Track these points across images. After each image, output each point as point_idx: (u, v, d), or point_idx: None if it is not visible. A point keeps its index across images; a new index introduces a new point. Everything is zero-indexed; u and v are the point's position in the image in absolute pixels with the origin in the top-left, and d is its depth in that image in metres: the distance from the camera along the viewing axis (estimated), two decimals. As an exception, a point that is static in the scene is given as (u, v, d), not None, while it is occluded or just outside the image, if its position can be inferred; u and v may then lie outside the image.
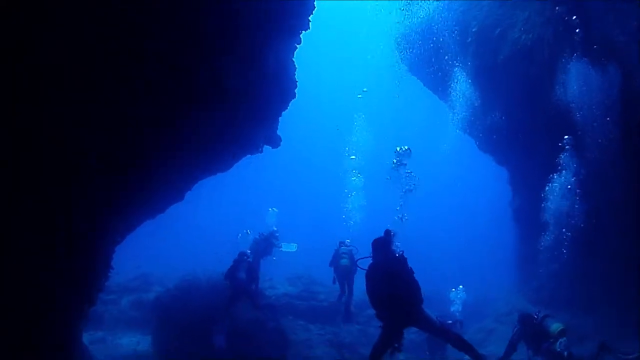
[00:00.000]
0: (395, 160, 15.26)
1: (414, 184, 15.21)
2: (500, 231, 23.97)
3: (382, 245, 7.90)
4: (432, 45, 16.97)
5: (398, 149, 15.29)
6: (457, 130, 18.44)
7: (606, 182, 13.16)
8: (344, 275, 14.16)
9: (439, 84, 17.48)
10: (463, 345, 7.90)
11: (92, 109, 6.86)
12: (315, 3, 10.12)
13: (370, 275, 7.76)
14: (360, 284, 9.23)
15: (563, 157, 13.80)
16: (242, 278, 13.17)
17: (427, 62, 17.35)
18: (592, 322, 14.13)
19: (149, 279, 19.14)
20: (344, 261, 14.00)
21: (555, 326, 9.71)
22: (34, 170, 6.60)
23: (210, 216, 44.47)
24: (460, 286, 17.23)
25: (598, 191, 13.43)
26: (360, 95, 26.48)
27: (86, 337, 13.02)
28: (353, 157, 20.16)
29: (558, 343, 9.55)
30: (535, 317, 10.25)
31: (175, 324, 12.69)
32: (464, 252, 31.19)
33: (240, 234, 21.08)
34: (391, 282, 7.50)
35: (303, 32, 10.19)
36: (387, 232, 8.07)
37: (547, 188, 14.48)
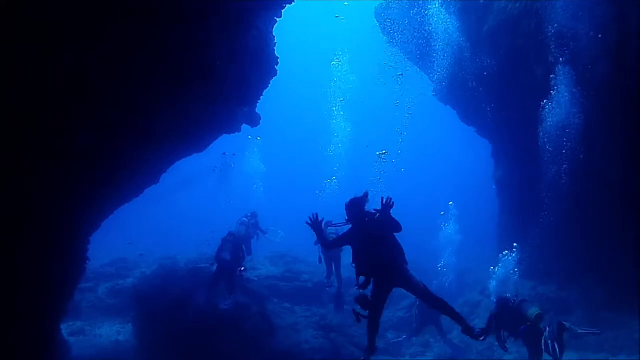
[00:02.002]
0: None
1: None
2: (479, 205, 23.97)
3: (356, 206, 7.57)
4: (414, 13, 16.27)
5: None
6: (440, 101, 18.05)
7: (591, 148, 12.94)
8: (333, 256, 13.92)
9: (422, 53, 16.86)
10: (452, 313, 7.65)
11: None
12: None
13: (352, 240, 7.57)
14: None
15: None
16: (227, 259, 12.73)
17: (409, 32, 16.67)
18: (577, 293, 14.20)
19: (125, 264, 18.59)
20: None
21: (532, 310, 10.07)
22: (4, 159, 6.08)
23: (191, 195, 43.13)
24: (450, 203, 16.95)
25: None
26: (338, 15, 24.52)
27: (65, 329, 12.62)
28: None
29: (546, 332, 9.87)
30: (513, 301, 10.55)
31: (156, 311, 12.29)
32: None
33: (216, 167, 20.38)
34: (373, 246, 7.29)
35: (287, 5, 9.46)
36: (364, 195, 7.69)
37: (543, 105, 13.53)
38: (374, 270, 7.37)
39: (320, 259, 14.29)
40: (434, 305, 7.67)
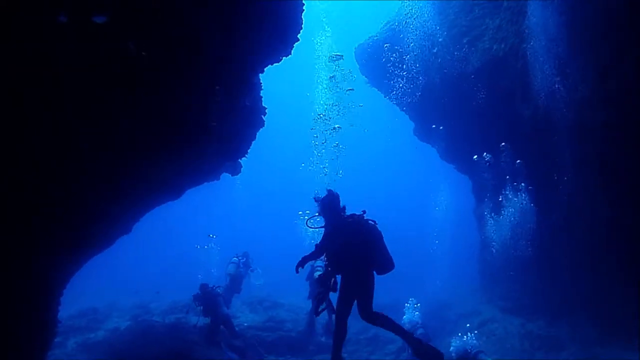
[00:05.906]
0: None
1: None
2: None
3: (334, 206, 7.24)
4: (395, 55, 16.10)
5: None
6: (420, 140, 17.91)
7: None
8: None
9: (403, 94, 16.68)
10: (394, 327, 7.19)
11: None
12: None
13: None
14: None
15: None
16: (226, 312, 13.06)
17: (390, 73, 16.46)
18: (568, 328, 13.89)
19: (95, 315, 17.44)
20: None
21: None
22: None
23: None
24: None
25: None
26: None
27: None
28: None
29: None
30: (469, 351, 10.95)
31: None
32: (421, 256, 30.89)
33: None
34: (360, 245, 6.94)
35: (284, 57, 9.07)
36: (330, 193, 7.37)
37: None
38: (347, 265, 6.97)
39: (310, 293, 13.73)
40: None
